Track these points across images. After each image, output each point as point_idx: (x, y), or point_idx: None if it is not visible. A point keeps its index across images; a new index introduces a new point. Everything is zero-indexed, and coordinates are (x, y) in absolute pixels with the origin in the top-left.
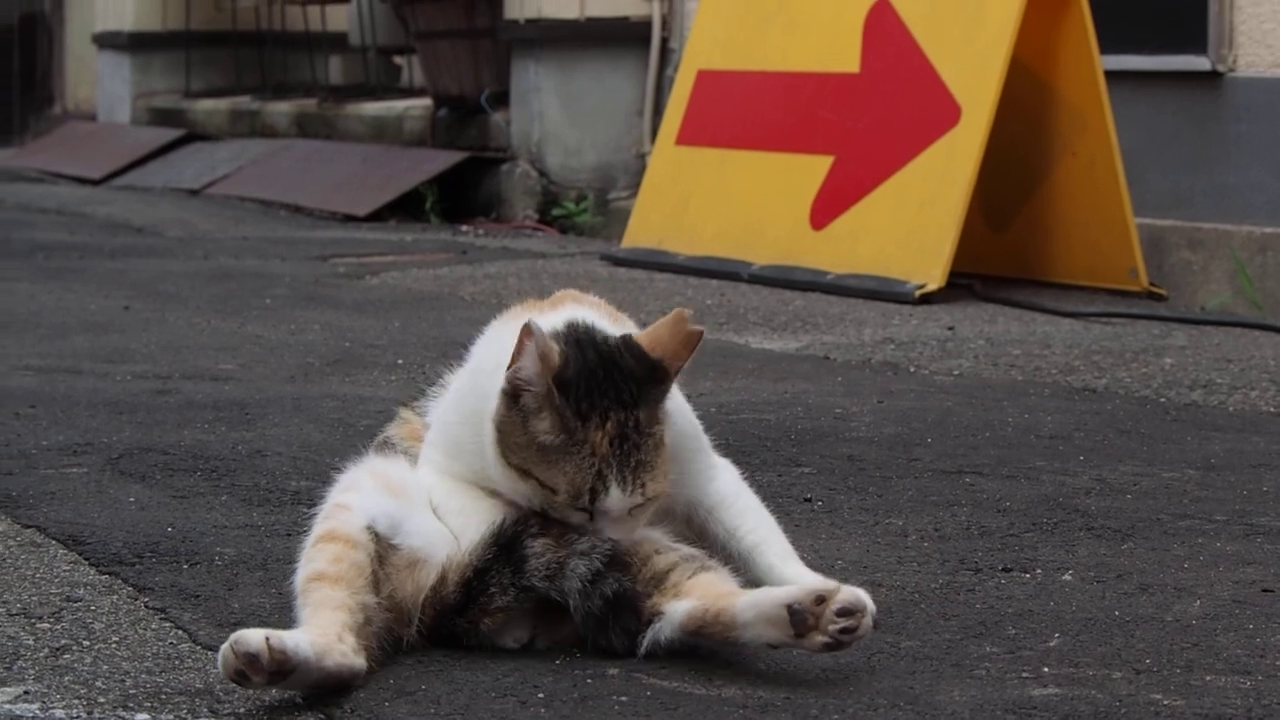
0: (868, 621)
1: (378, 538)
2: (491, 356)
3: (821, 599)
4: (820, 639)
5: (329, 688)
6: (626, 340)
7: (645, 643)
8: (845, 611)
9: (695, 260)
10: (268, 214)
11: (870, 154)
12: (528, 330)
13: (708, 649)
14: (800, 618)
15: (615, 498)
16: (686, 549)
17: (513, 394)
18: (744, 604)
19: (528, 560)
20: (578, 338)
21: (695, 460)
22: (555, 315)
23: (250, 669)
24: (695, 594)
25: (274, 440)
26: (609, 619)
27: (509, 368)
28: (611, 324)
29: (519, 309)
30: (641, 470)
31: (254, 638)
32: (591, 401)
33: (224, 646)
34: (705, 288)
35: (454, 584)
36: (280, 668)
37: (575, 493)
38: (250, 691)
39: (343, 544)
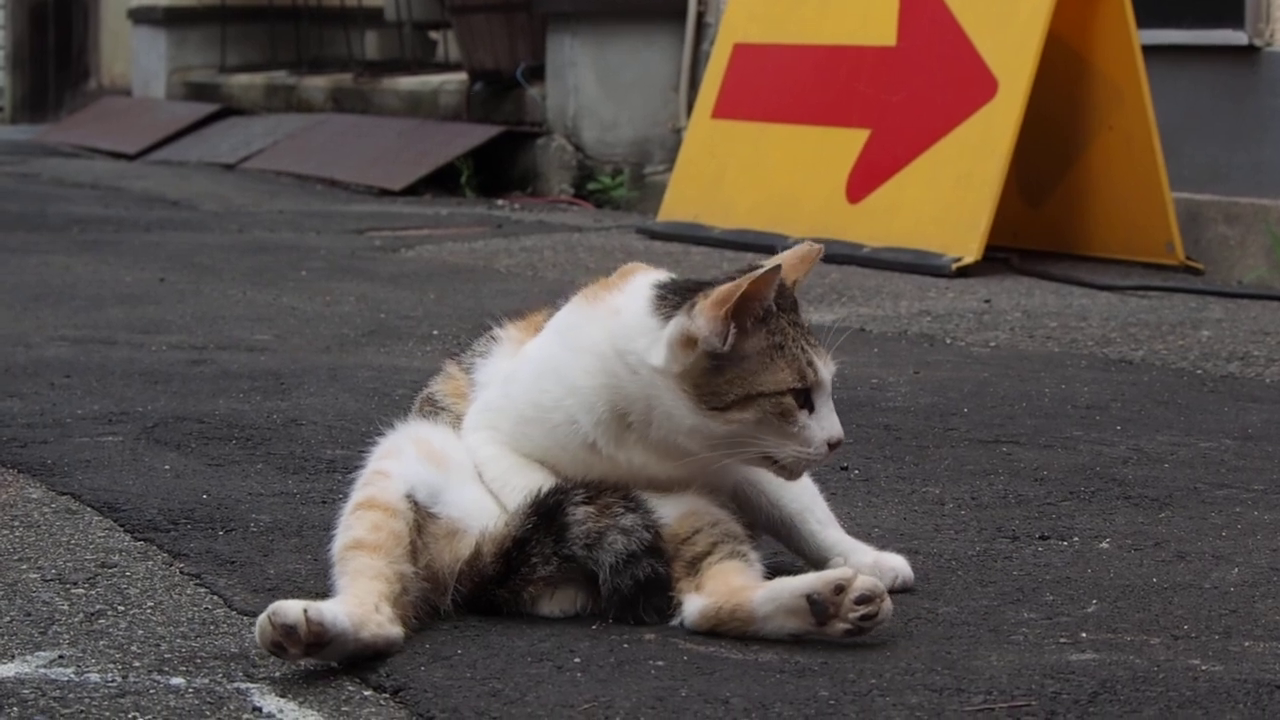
0: (887, 606)
1: (417, 506)
2: (588, 352)
3: (840, 588)
4: (842, 626)
5: (365, 657)
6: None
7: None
8: (864, 599)
9: (731, 233)
10: (303, 188)
11: (906, 127)
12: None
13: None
14: (820, 608)
15: (824, 364)
16: (732, 526)
17: (687, 341)
18: (761, 598)
19: (569, 528)
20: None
21: None
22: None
23: (287, 640)
24: (707, 589)
25: (309, 409)
26: (638, 599)
27: (682, 324)
28: None
29: (594, 287)
30: (821, 346)
31: (292, 609)
32: (754, 314)
33: (261, 617)
34: (741, 261)
35: (491, 555)
36: (318, 639)
37: (800, 372)
38: None
39: (382, 512)
